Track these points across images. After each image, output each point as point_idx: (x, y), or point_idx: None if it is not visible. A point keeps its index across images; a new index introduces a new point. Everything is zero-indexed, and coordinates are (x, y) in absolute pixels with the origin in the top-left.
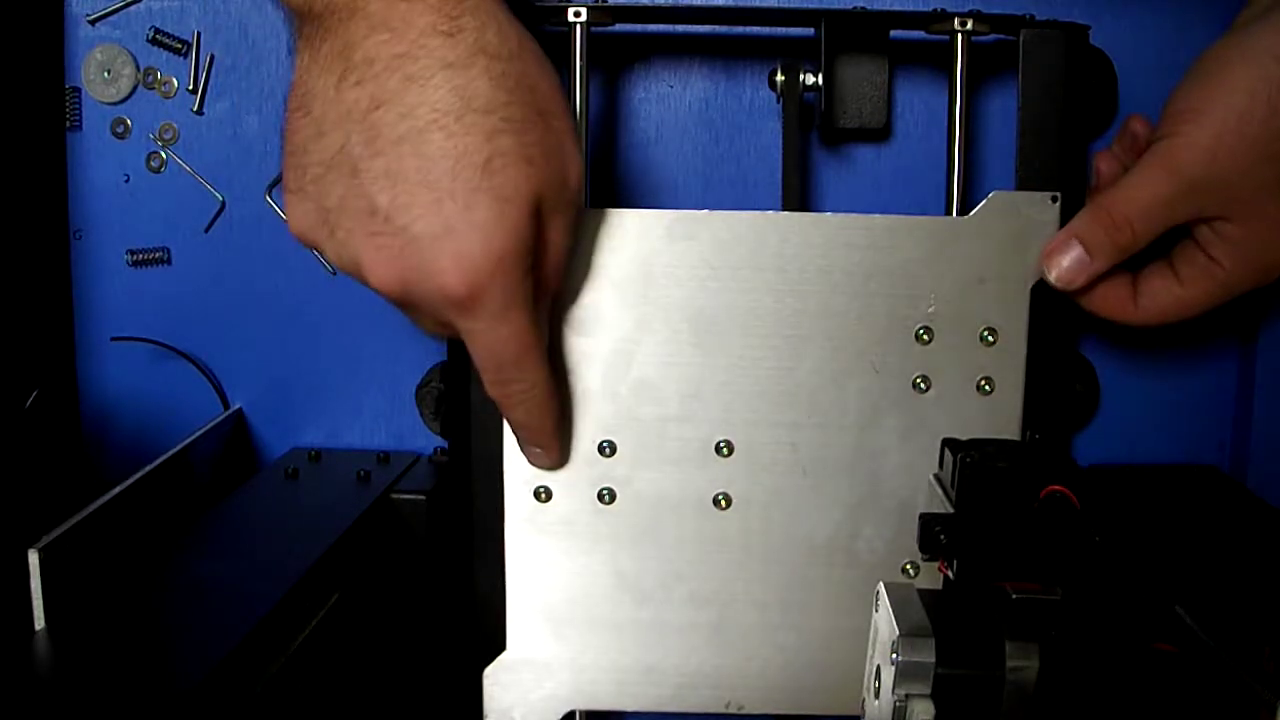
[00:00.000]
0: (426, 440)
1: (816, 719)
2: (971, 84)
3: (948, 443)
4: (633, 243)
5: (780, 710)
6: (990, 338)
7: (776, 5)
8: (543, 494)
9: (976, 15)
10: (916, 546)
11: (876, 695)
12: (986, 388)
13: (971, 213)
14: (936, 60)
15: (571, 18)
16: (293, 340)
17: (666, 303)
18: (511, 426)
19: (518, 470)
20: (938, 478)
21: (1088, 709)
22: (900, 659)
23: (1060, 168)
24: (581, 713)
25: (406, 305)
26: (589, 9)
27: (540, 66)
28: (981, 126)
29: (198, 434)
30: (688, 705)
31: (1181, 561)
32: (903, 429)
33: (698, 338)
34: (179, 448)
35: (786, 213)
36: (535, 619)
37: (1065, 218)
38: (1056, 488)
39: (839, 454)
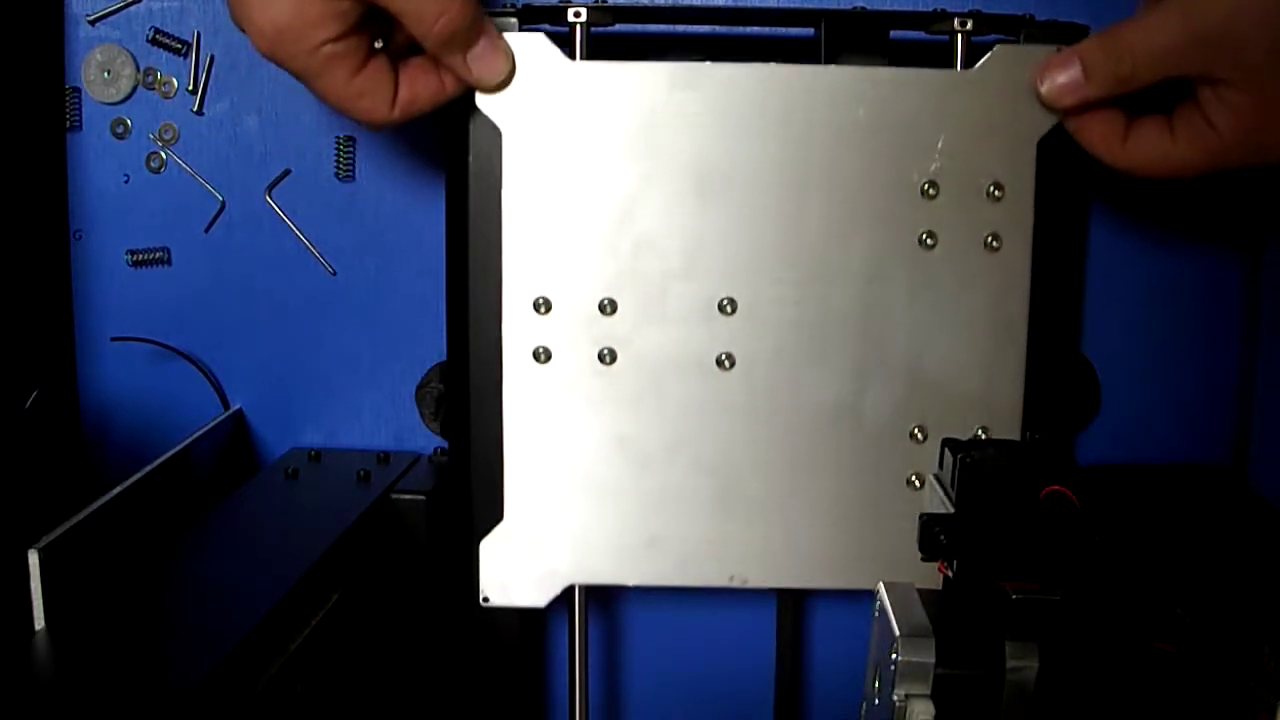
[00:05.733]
0: (426, 440)
1: (820, 593)
2: None
3: (948, 442)
4: (635, 95)
5: (784, 584)
6: (997, 193)
7: (776, 5)
8: (542, 354)
9: (976, 15)
10: (924, 410)
11: (876, 695)
12: (994, 244)
13: (976, 66)
14: (936, 60)
15: (571, 18)
16: (293, 340)
17: (669, 156)
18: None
19: (516, 330)
20: (938, 478)
21: (1088, 709)
22: (900, 659)
23: None
24: (581, 587)
25: None
26: (589, 9)
27: None
28: None
29: (198, 434)
30: (689, 579)
31: (1181, 561)
32: (909, 286)
33: (700, 191)
34: (179, 448)
35: (790, 65)
36: (534, 486)
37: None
38: (1056, 488)
39: (844, 312)
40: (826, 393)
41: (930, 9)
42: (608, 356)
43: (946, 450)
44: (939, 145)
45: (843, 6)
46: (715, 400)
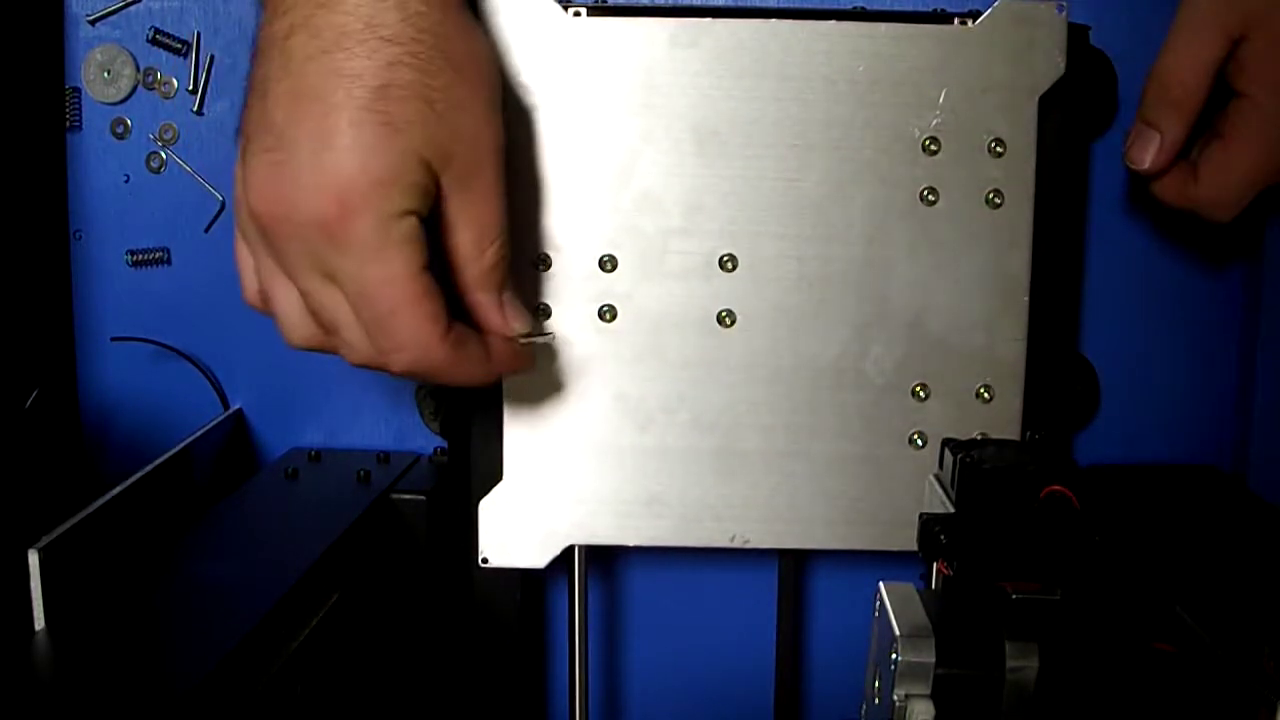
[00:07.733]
0: (426, 440)
1: (822, 556)
2: None
3: (948, 443)
4: (634, 51)
5: (786, 545)
6: (999, 149)
7: (776, 5)
8: (541, 312)
9: (976, 15)
10: (925, 368)
11: (876, 695)
12: (996, 200)
13: (977, 21)
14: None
15: (571, 18)
16: None
17: (668, 112)
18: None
19: (516, 287)
20: (938, 478)
21: (1088, 709)
22: (900, 659)
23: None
24: (581, 548)
25: (280, 237)
26: (589, 9)
27: (461, 26)
28: None
29: (198, 434)
30: (691, 539)
31: (1181, 561)
32: (910, 243)
33: (700, 148)
34: (179, 448)
35: (790, 21)
36: (533, 445)
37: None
38: (1056, 488)
39: (845, 268)
40: (828, 350)
41: (930, 9)
42: (607, 314)
43: (946, 450)
44: (940, 100)
45: (843, 6)
46: (716, 358)
